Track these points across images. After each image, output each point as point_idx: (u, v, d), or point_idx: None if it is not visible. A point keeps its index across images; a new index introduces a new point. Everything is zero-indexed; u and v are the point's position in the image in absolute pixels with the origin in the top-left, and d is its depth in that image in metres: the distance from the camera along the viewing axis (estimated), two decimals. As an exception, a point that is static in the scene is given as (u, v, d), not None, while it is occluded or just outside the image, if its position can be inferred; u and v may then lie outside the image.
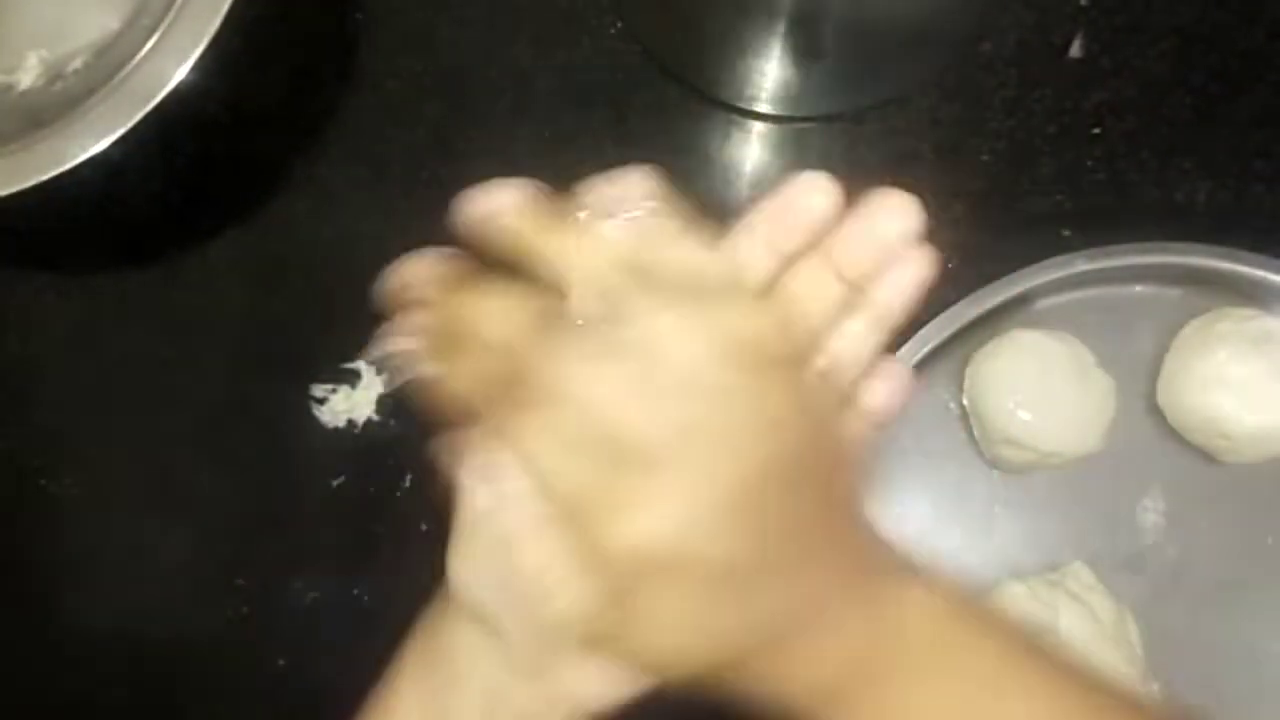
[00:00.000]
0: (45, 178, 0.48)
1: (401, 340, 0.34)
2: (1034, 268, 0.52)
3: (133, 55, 0.49)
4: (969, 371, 0.52)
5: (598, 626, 0.29)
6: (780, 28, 0.51)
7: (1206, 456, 0.52)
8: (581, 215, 0.31)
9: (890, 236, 0.34)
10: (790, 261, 0.34)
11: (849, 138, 0.58)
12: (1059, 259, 0.52)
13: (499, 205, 0.32)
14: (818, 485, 0.30)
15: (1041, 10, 0.58)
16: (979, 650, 0.32)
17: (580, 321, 0.30)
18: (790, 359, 0.31)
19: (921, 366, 0.52)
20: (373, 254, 0.58)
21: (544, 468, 0.29)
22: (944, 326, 0.51)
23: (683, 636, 0.29)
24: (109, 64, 0.51)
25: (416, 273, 0.34)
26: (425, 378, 0.33)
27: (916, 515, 0.53)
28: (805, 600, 0.30)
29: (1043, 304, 0.53)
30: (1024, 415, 0.50)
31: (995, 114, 0.58)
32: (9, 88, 0.54)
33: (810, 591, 0.30)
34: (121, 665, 0.56)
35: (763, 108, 0.57)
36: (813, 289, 0.34)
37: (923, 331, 0.51)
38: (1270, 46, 0.57)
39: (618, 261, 0.30)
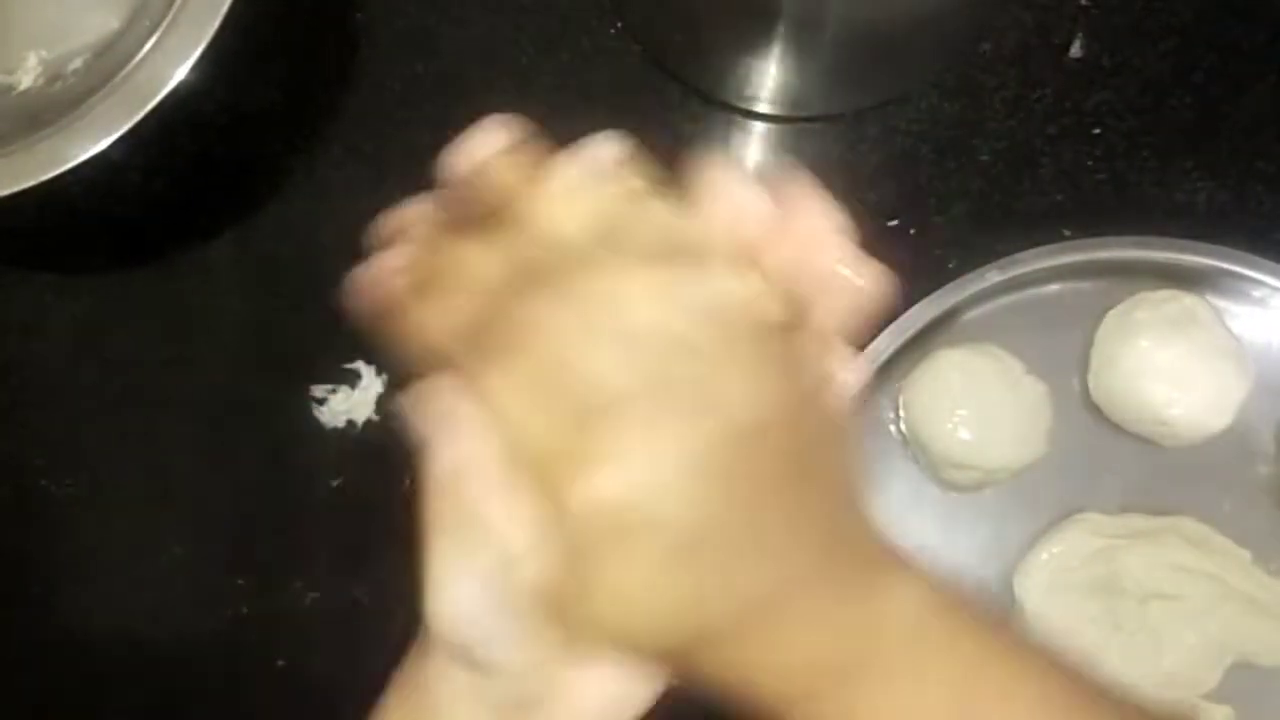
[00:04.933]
0: (45, 178, 0.48)
1: (383, 273, 0.34)
2: (953, 284, 0.52)
3: (132, 56, 0.49)
4: (902, 400, 0.52)
5: (561, 591, 0.29)
6: (780, 28, 0.51)
7: (1149, 443, 0.52)
8: (561, 172, 0.31)
9: (819, 244, 0.32)
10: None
11: (849, 138, 0.58)
12: (973, 273, 0.52)
13: (484, 150, 0.32)
14: (803, 459, 0.30)
15: (1042, 10, 0.58)
16: (955, 651, 0.31)
17: (555, 273, 0.29)
18: (771, 327, 0.30)
19: (859, 394, 0.52)
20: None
21: (508, 417, 0.28)
22: (871, 358, 0.51)
23: (645, 605, 0.28)
24: (109, 64, 0.51)
25: (406, 214, 0.34)
26: (399, 316, 0.33)
27: None
28: (782, 580, 0.29)
29: (966, 318, 0.53)
30: (964, 436, 0.51)
31: (995, 114, 0.58)
32: (9, 88, 0.54)
33: (788, 572, 0.29)
34: (121, 665, 0.56)
35: (763, 108, 0.57)
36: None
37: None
38: (1271, 47, 0.57)
39: (595, 216, 0.30)
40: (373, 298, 0.34)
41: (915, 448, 0.52)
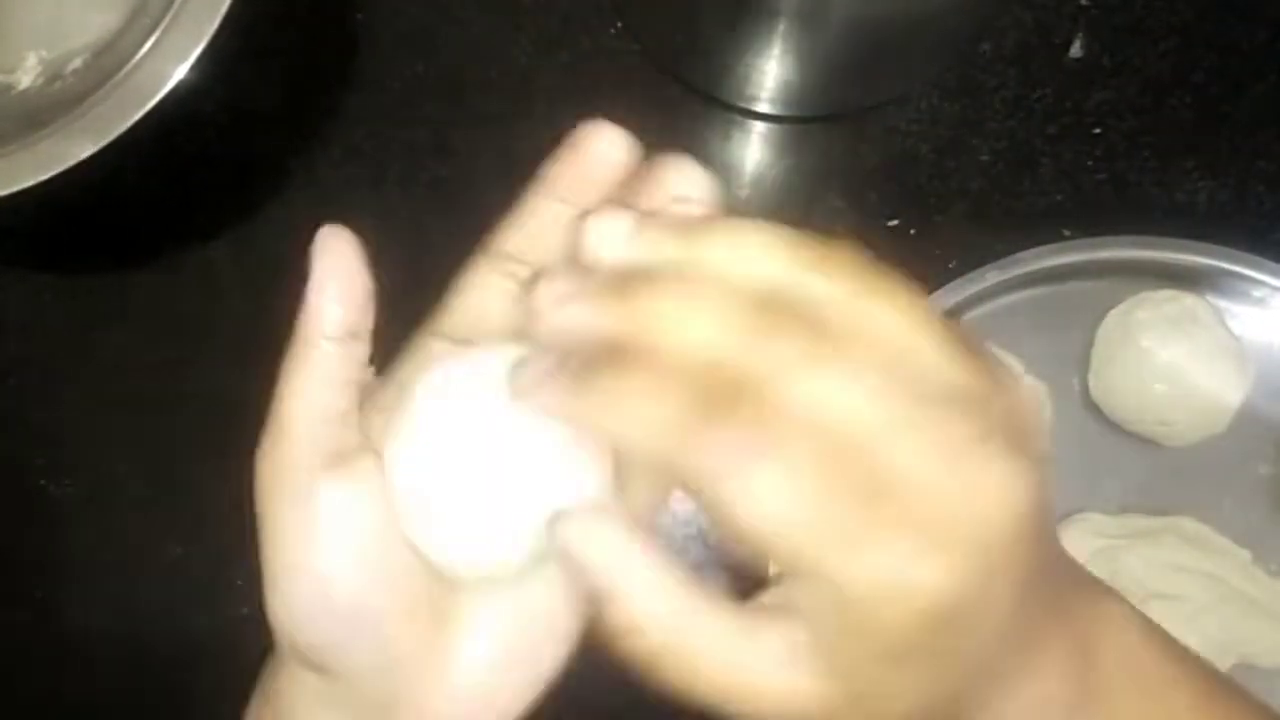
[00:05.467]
0: (44, 178, 0.48)
1: (542, 364, 0.27)
2: (953, 284, 0.52)
3: (132, 55, 0.49)
4: None
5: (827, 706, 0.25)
6: (780, 27, 0.51)
7: (1150, 443, 0.52)
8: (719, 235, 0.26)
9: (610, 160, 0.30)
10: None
11: (849, 138, 0.58)
12: (973, 273, 0.52)
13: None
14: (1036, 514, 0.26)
15: (1042, 10, 0.58)
16: (1177, 686, 0.29)
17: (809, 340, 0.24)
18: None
19: None
20: (372, 254, 0.58)
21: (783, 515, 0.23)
22: None
23: (909, 701, 0.25)
24: (108, 64, 0.51)
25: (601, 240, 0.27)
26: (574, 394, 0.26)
27: None
28: (1021, 647, 0.26)
29: (966, 318, 0.53)
30: None
31: (995, 114, 0.58)
32: (8, 88, 0.54)
33: (1029, 638, 0.26)
34: (121, 665, 0.56)
35: (763, 107, 0.57)
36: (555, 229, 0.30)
37: None
38: (1271, 46, 0.57)
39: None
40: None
41: None
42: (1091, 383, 0.52)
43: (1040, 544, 0.26)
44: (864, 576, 0.23)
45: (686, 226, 0.27)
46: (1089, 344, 0.53)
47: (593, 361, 0.25)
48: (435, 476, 0.28)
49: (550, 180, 0.31)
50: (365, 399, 0.31)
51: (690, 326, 0.24)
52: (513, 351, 0.28)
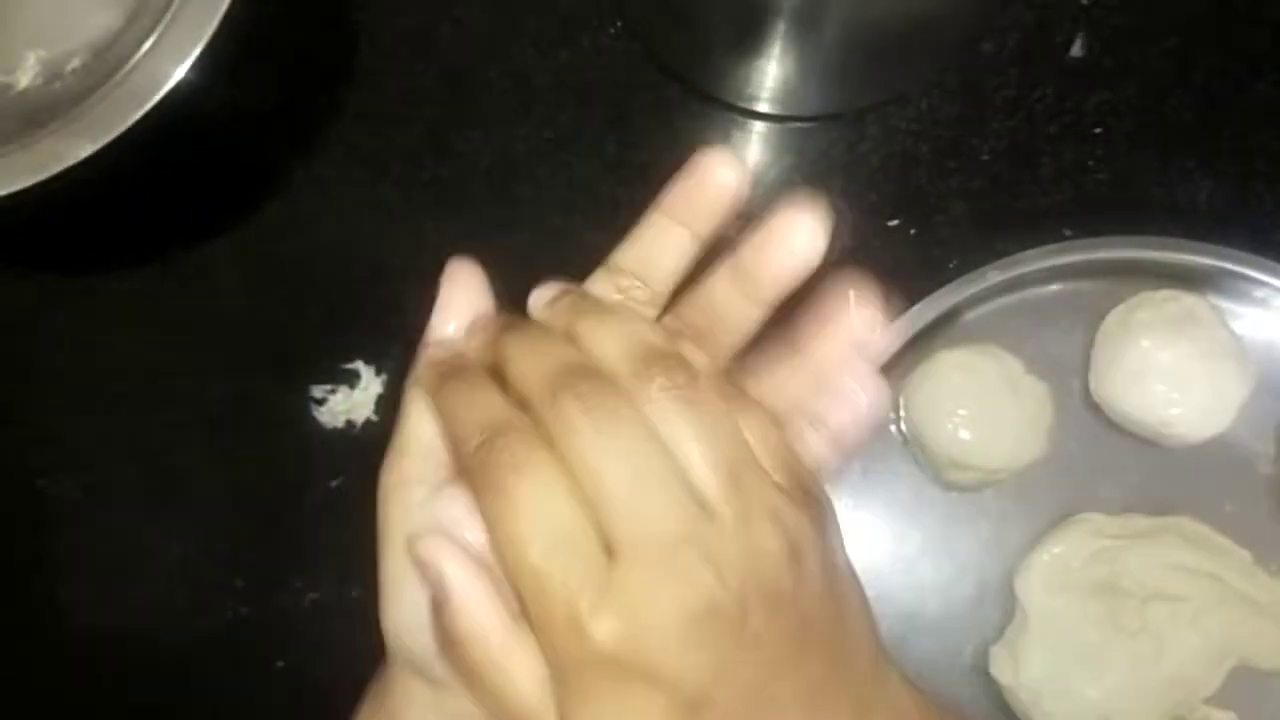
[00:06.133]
0: (43, 177, 0.48)
1: (435, 348, 0.33)
2: (953, 284, 0.52)
3: (131, 55, 0.49)
4: (902, 400, 0.52)
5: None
6: (781, 27, 0.51)
7: (1150, 444, 0.52)
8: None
9: (802, 255, 0.32)
10: (702, 258, 0.33)
11: (849, 138, 0.58)
12: (973, 273, 0.52)
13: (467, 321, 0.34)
14: (822, 629, 0.29)
15: (1043, 10, 0.58)
16: None
17: (600, 391, 0.28)
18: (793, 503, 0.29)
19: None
20: (372, 254, 0.58)
21: (525, 531, 0.27)
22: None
23: None
24: (107, 64, 0.51)
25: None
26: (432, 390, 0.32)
27: (876, 540, 0.53)
28: (802, 695, 0.28)
29: (966, 318, 0.53)
30: (964, 436, 0.50)
31: (996, 113, 0.58)
32: (7, 87, 0.54)
33: (805, 683, 0.28)
34: (121, 666, 0.56)
35: (763, 107, 0.57)
36: (728, 305, 0.32)
37: None
38: (1273, 46, 0.57)
39: (630, 348, 0.30)
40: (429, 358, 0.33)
41: (915, 448, 0.52)
42: (1092, 383, 0.52)
43: (793, 614, 0.28)
44: (545, 608, 0.27)
45: (578, 309, 0.31)
46: (1089, 344, 0.53)
47: (449, 372, 0.31)
48: None
49: (669, 203, 0.33)
50: None
51: (522, 363, 0.29)
52: None
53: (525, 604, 0.27)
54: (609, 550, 0.27)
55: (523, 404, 0.29)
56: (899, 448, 0.53)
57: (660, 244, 0.33)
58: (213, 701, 0.56)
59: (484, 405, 0.29)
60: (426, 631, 0.30)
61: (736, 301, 0.32)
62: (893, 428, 0.53)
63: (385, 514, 0.32)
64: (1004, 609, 0.51)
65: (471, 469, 0.28)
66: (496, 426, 0.28)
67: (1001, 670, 0.50)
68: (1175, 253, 0.52)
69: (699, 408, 0.28)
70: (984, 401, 0.51)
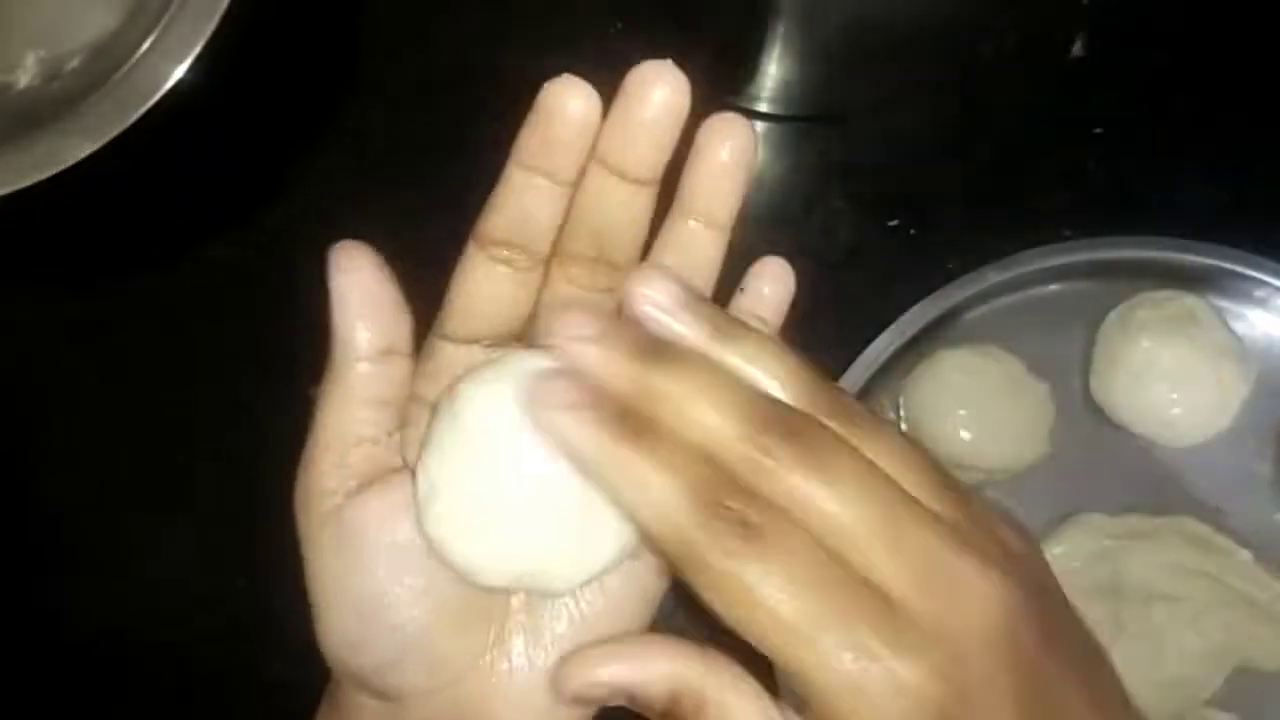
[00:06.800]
0: (42, 177, 0.48)
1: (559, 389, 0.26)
2: (953, 285, 0.52)
3: (131, 54, 0.49)
4: (902, 400, 0.52)
5: None
6: (780, 27, 0.51)
7: (1150, 444, 0.52)
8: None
9: (660, 108, 0.29)
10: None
11: (849, 137, 0.58)
12: (973, 273, 0.52)
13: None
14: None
15: (1043, 10, 0.58)
16: None
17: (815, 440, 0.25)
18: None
19: (861, 393, 0.52)
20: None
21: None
22: (872, 358, 0.51)
23: None
24: (107, 63, 0.51)
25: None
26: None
27: None
28: None
29: (967, 318, 0.53)
30: (964, 436, 0.50)
31: (996, 113, 0.58)
32: (6, 87, 0.54)
33: None
34: (121, 665, 0.56)
35: (763, 107, 0.57)
36: (608, 209, 0.30)
37: (855, 364, 0.51)
38: (1272, 46, 0.57)
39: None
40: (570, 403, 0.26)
41: None
42: (1093, 383, 0.52)
43: (1039, 657, 0.26)
44: (842, 674, 0.24)
45: (718, 322, 0.27)
46: (1090, 344, 0.53)
47: (612, 419, 0.25)
48: (477, 490, 0.28)
49: (522, 152, 0.30)
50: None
51: (698, 415, 0.25)
52: (533, 361, 0.28)
53: (812, 678, 0.24)
54: (880, 594, 0.24)
55: (706, 455, 0.25)
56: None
57: (526, 202, 0.30)
58: (212, 702, 0.56)
59: (685, 467, 0.24)
60: (368, 647, 0.29)
61: (613, 195, 0.30)
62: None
63: (306, 527, 0.31)
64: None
65: (691, 543, 0.24)
66: (714, 489, 0.24)
67: None
68: (1175, 253, 0.52)
69: (891, 441, 0.26)
70: (985, 402, 0.51)
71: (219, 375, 0.58)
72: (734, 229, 0.31)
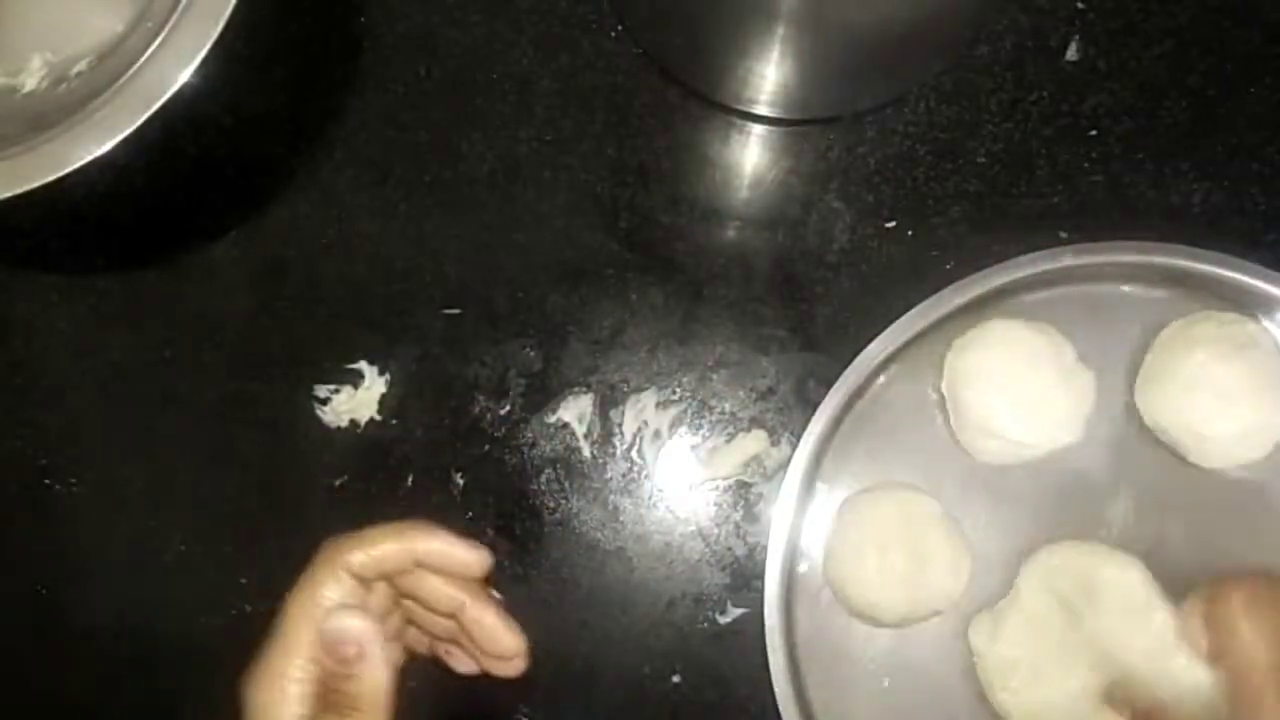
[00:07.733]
0: (49, 180, 0.48)
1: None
2: (1020, 259, 0.52)
3: (137, 58, 0.49)
4: (949, 360, 0.52)
5: None
6: (779, 30, 0.51)
7: (1179, 457, 0.52)
8: None
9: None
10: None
11: (848, 139, 0.58)
12: (1046, 252, 0.52)
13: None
14: None
15: (1038, 13, 0.58)
16: None
17: None
18: None
19: (904, 352, 0.52)
20: (375, 255, 0.59)
21: None
22: (926, 313, 0.52)
23: None
24: (113, 67, 0.52)
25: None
26: None
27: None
28: None
29: (1028, 298, 0.53)
30: (1001, 405, 0.51)
31: (992, 116, 0.58)
32: (13, 90, 0.55)
33: None
34: (123, 664, 0.57)
35: (762, 110, 0.58)
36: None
37: (905, 318, 0.52)
38: (1266, 50, 0.58)
39: None
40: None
41: (951, 407, 0.52)
42: (1138, 385, 0.52)
43: None
44: None
45: None
46: (1144, 347, 0.53)
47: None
48: None
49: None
50: None
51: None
52: None
53: None
54: None
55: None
56: (934, 406, 0.53)
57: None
58: (213, 700, 0.56)
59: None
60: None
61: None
62: (932, 390, 0.53)
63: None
64: (1004, 584, 0.51)
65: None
66: None
67: (978, 635, 0.50)
68: (1251, 278, 0.52)
69: None
70: (1028, 376, 0.51)
71: (223, 374, 0.58)
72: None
